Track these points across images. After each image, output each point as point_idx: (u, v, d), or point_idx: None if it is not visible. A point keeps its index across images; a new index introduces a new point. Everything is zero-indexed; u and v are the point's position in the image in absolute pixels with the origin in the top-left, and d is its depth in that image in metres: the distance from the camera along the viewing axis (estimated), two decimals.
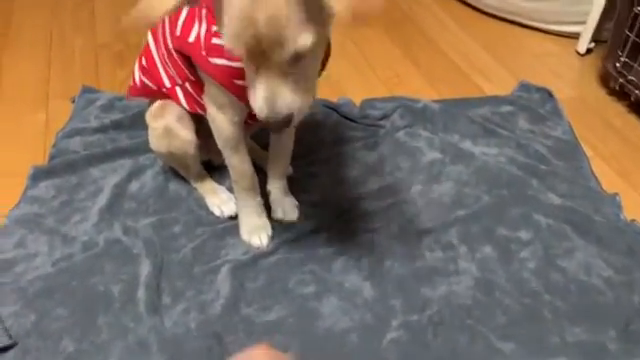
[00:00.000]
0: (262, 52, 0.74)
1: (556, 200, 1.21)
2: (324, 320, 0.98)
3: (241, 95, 0.94)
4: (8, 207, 1.18)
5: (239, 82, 0.92)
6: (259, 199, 1.13)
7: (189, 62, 1.01)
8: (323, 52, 0.85)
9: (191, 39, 0.95)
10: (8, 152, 1.34)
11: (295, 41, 0.73)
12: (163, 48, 1.05)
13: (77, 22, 1.90)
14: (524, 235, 1.14)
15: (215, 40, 0.91)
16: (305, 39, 0.73)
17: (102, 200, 1.20)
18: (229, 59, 0.91)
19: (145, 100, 1.18)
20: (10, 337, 0.93)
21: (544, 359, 0.94)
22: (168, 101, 1.11)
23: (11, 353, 0.92)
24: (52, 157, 1.31)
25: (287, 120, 0.79)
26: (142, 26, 0.76)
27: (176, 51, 1.01)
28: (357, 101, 1.51)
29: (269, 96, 0.77)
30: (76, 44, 1.78)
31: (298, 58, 0.75)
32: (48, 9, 1.98)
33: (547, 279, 1.06)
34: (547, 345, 0.96)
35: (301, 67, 0.77)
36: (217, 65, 0.92)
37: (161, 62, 1.07)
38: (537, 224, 1.16)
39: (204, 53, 0.93)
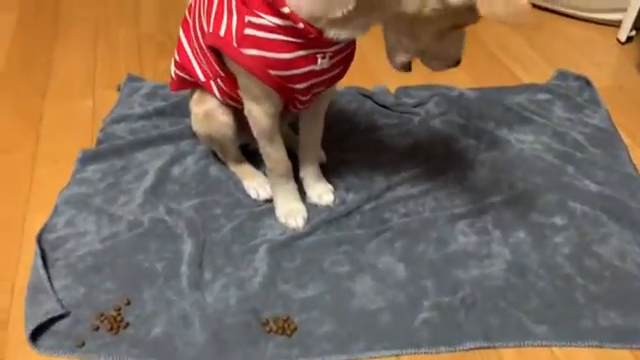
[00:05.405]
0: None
1: (592, 187, 1.21)
2: (358, 299, 1.01)
3: (276, 85, 0.95)
4: (59, 189, 1.24)
5: (273, 72, 0.93)
6: (293, 183, 1.16)
7: (219, 58, 1.01)
8: None
9: (222, 32, 0.93)
10: (59, 138, 1.41)
11: None
12: (195, 44, 1.07)
13: (122, 14, 1.97)
14: (559, 221, 1.14)
15: (247, 30, 0.90)
16: None
17: (147, 183, 1.25)
18: (262, 49, 0.91)
19: (186, 91, 1.23)
20: (62, 306, 0.99)
21: (577, 342, 0.94)
22: None
23: (64, 322, 0.98)
24: (99, 142, 1.37)
25: None
26: None
27: (208, 48, 1.02)
28: (392, 89, 1.53)
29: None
30: (121, 35, 1.85)
31: None
32: (94, 1, 2.06)
33: (581, 264, 1.06)
34: (580, 328, 0.96)
35: None
36: (251, 56, 0.92)
37: (194, 57, 1.09)
38: (572, 211, 1.16)
39: (236, 45, 0.92)
